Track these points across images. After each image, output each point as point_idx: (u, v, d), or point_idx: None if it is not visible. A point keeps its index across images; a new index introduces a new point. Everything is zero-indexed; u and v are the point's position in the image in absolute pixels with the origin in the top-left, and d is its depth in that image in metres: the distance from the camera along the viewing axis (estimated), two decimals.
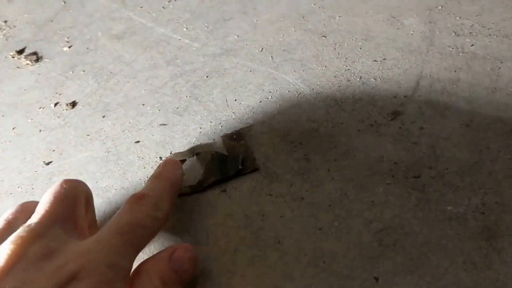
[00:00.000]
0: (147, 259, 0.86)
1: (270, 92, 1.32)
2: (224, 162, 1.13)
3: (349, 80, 1.32)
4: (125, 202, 0.91)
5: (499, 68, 1.31)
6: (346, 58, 1.39)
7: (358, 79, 1.32)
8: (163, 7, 1.64)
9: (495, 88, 1.26)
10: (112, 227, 0.82)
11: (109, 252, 0.73)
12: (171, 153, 1.19)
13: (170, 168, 1.05)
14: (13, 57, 1.51)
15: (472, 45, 1.39)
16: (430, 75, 1.31)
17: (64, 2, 1.71)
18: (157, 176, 1.02)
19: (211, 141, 1.21)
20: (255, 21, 1.54)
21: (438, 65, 1.34)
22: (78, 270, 0.61)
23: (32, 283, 0.57)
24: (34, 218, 0.76)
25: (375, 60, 1.37)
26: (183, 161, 1.16)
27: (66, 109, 1.33)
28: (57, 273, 0.60)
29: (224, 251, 1.02)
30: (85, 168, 1.19)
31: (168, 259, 0.86)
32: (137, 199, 0.91)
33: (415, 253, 0.98)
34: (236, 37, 1.50)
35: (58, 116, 1.32)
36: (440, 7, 1.52)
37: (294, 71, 1.37)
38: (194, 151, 1.17)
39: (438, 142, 1.16)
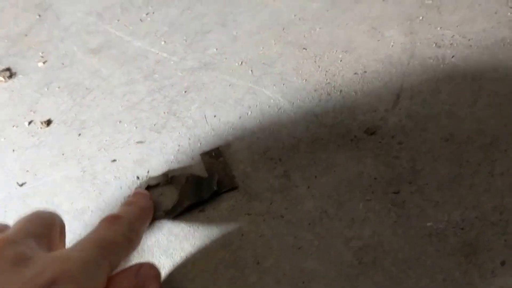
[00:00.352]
0: (114, 274, 0.88)
1: (250, 107, 1.33)
2: (199, 185, 1.14)
3: (330, 94, 1.34)
4: (100, 221, 0.93)
5: (480, 79, 1.34)
6: (326, 71, 1.40)
7: (339, 93, 1.34)
8: (140, 19, 1.64)
9: (476, 100, 1.29)
10: (89, 241, 0.84)
11: (87, 262, 0.75)
12: (147, 176, 1.20)
13: (141, 198, 1.08)
14: None
15: (453, 56, 1.41)
16: (411, 88, 1.34)
17: (39, 16, 1.71)
18: (129, 204, 1.05)
19: (190, 159, 1.22)
20: (235, 33, 1.56)
21: (419, 77, 1.36)
22: (56, 278, 0.63)
23: (10, 286, 0.58)
24: (8, 231, 0.78)
25: (355, 73, 1.39)
26: (157, 185, 1.17)
27: (41, 127, 1.33)
28: (35, 279, 0.62)
29: (203, 271, 1.03)
30: (60, 188, 1.20)
31: (134, 275, 0.87)
32: (113, 219, 0.93)
33: (394, 271, 1.00)
34: (215, 50, 1.51)
35: (32, 135, 1.33)
36: (421, 18, 1.54)
37: (274, 85, 1.38)
38: (169, 175, 1.17)
39: (418, 156, 1.18)
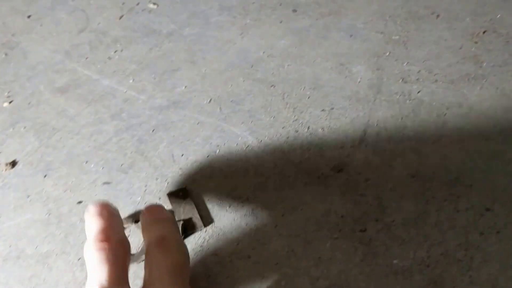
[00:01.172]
0: None
1: (218, 145, 1.36)
2: None
3: (297, 131, 1.38)
4: (148, 245, 0.96)
5: (445, 114, 1.39)
6: (294, 108, 1.45)
7: (306, 130, 1.38)
8: (108, 57, 1.68)
9: (441, 136, 1.34)
10: (163, 272, 0.87)
11: None
12: None
13: (160, 211, 1.06)
14: None
15: (419, 91, 1.47)
16: (377, 124, 1.38)
17: (6, 55, 1.74)
18: (156, 221, 1.02)
19: (157, 199, 1.24)
20: (204, 71, 1.60)
21: (385, 113, 1.41)
22: None
23: None
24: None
25: (323, 110, 1.44)
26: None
27: (6, 169, 1.35)
28: None
29: None
30: (24, 232, 1.21)
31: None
32: (159, 243, 0.93)
33: None
34: (184, 88, 1.55)
35: None
36: (387, 53, 1.60)
37: (242, 122, 1.42)
38: (134, 218, 1.19)
39: (384, 193, 1.22)
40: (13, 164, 1.36)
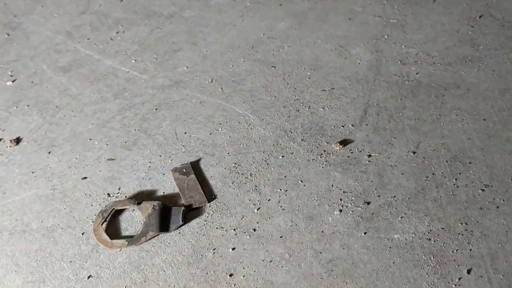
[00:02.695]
0: None
1: (220, 123, 1.35)
2: (166, 216, 1.13)
3: (298, 110, 1.37)
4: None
5: (443, 95, 1.38)
6: (295, 88, 1.43)
7: (307, 109, 1.37)
8: (110, 38, 1.65)
9: (440, 115, 1.33)
10: None
11: None
12: (118, 193, 1.20)
13: None
14: None
15: (417, 73, 1.46)
16: (377, 104, 1.37)
17: (8, 35, 1.71)
18: None
19: (161, 175, 1.23)
20: (205, 52, 1.58)
21: (385, 94, 1.40)
22: None
23: None
24: None
25: (323, 90, 1.42)
26: (123, 210, 1.17)
27: (10, 146, 1.33)
28: None
29: None
30: (29, 207, 1.19)
31: None
32: None
33: (363, 282, 1.02)
34: (185, 68, 1.53)
35: (1, 153, 1.32)
36: (386, 36, 1.59)
37: (244, 102, 1.40)
38: (136, 200, 1.16)
39: (385, 170, 1.21)
40: (18, 141, 1.34)
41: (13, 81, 1.52)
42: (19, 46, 1.66)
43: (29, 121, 1.40)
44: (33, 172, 1.27)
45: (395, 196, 1.16)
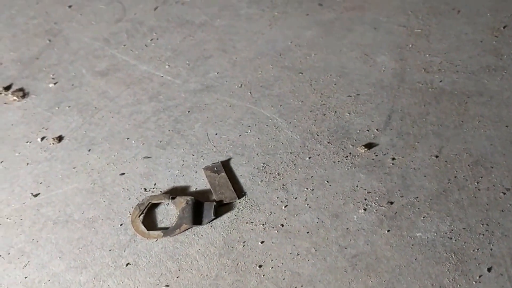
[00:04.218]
0: None
1: (249, 126, 1.41)
2: (199, 210, 1.20)
3: (325, 114, 1.42)
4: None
5: (466, 103, 1.43)
6: (321, 94, 1.49)
7: (333, 113, 1.42)
8: (145, 45, 1.73)
9: (462, 122, 1.37)
10: None
11: None
12: (154, 188, 1.27)
13: None
14: (0, 93, 1.59)
15: (441, 81, 1.51)
16: (401, 110, 1.42)
17: (49, 41, 1.80)
18: None
19: (193, 172, 1.29)
20: (235, 58, 1.65)
21: (409, 100, 1.45)
22: None
23: None
24: None
25: (349, 95, 1.48)
26: (158, 204, 1.24)
27: (53, 143, 1.40)
28: None
29: (206, 277, 1.09)
30: (71, 199, 1.26)
31: None
32: None
33: (386, 276, 1.06)
34: (216, 74, 1.60)
35: (44, 150, 1.39)
36: (410, 45, 1.64)
37: (272, 106, 1.46)
38: (170, 195, 1.23)
39: (408, 172, 1.26)
40: (60, 139, 1.42)
41: (55, 84, 1.61)
42: (60, 51, 1.75)
43: (70, 121, 1.47)
44: (74, 168, 1.35)
45: (417, 197, 1.21)
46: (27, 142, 1.43)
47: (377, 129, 1.37)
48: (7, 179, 1.35)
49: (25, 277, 1.14)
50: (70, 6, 1.97)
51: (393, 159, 1.29)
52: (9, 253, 1.18)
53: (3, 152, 1.42)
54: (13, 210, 1.28)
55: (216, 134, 1.40)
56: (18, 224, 1.24)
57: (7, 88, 1.61)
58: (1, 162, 1.39)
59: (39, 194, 1.29)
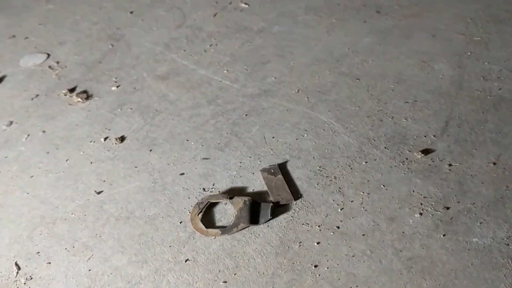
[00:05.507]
0: None
1: (306, 130, 1.46)
2: (256, 210, 1.26)
3: (382, 120, 1.46)
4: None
5: None
6: (378, 100, 1.53)
7: (390, 119, 1.46)
8: (204, 50, 1.81)
9: None
10: None
11: None
12: (212, 188, 1.33)
13: None
14: (65, 95, 1.69)
15: (500, 89, 1.52)
16: (458, 117, 1.44)
17: (112, 45, 1.90)
18: None
19: (251, 174, 1.35)
20: (292, 64, 1.70)
21: (467, 107, 1.47)
22: None
23: None
24: None
25: (406, 102, 1.51)
26: (217, 203, 1.31)
27: (115, 143, 1.49)
28: None
29: (262, 275, 1.14)
30: (133, 197, 1.34)
31: None
32: None
33: (441, 280, 1.09)
34: (273, 79, 1.66)
35: (107, 150, 1.48)
36: (469, 53, 1.66)
37: (329, 111, 1.51)
38: (228, 195, 1.30)
39: (465, 179, 1.28)
40: (122, 139, 1.51)
41: (117, 87, 1.71)
42: (122, 55, 1.85)
43: (132, 122, 1.57)
44: (136, 167, 1.43)
45: (474, 203, 1.23)
46: (90, 141, 1.53)
47: (434, 136, 1.40)
48: (71, 176, 1.45)
49: (89, 270, 1.22)
50: (131, 12, 2.08)
51: (450, 165, 1.32)
52: (73, 247, 1.27)
53: (68, 151, 1.52)
54: (77, 206, 1.37)
55: (273, 137, 1.46)
56: (82, 220, 1.33)
57: (72, 90, 1.72)
58: (66, 160, 1.49)
59: (102, 191, 1.38)
